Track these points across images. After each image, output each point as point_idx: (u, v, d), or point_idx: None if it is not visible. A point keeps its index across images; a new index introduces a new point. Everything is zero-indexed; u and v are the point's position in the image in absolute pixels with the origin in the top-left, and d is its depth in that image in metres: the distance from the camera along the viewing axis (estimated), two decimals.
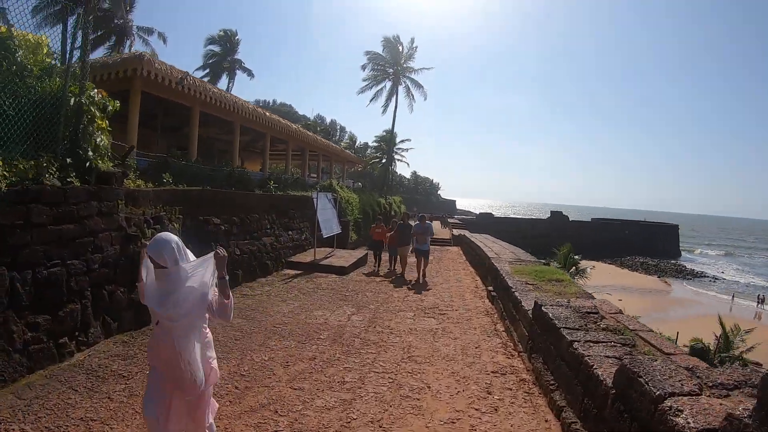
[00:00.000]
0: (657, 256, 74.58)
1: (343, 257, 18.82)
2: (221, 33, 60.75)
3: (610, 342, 6.02)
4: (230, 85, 58.17)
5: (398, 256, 17.58)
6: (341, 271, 16.85)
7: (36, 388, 6.28)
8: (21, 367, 6.59)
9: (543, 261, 17.92)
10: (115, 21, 43.50)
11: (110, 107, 9.26)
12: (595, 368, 5.17)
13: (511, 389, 6.83)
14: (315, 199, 18.09)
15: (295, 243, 19.13)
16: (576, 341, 5.99)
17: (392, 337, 9.27)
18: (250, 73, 62.51)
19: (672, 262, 74.20)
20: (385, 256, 18.87)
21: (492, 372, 7.51)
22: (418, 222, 16.81)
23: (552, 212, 78.95)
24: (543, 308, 7.42)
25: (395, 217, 58.36)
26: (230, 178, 17.57)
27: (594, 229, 77.63)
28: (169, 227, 11.18)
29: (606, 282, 46.99)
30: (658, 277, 62.99)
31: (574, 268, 30.99)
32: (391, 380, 7.01)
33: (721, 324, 26.80)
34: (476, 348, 8.77)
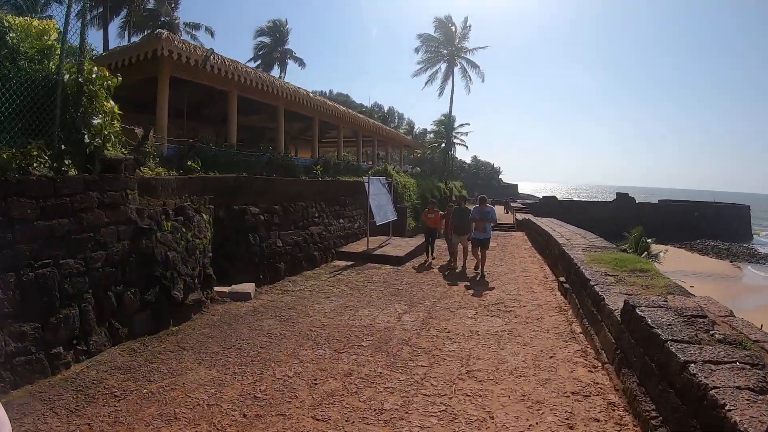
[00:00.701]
0: (728, 239, 70.21)
1: (399, 246, 17.35)
2: (270, 24, 59.46)
3: (735, 362, 4.36)
4: (282, 75, 56.41)
5: (454, 247, 15.55)
6: (396, 261, 15.41)
7: (12, 408, 5.14)
8: (2, 383, 5.54)
9: (621, 247, 16.09)
10: (162, 19, 43.23)
11: (111, 83, 8.02)
12: (730, 411, 3.54)
13: (598, 420, 5.16)
14: (366, 184, 16.58)
15: (347, 232, 17.78)
16: (691, 362, 4.34)
17: (448, 344, 7.69)
18: (301, 63, 61.14)
19: (744, 245, 70.11)
20: (443, 244, 17.12)
21: (572, 393, 5.85)
22: (477, 206, 14.50)
23: (618, 194, 75.65)
24: (638, 311, 5.74)
25: (453, 201, 56.96)
26: (271, 164, 16.26)
27: (662, 211, 73.95)
28: (196, 219, 9.94)
29: (677, 267, 44.36)
30: (731, 261, 59.93)
31: (645, 252, 28.73)
32: (443, 407, 5.44)
33: None
34: (551, 357, 7.10)
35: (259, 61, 57.34)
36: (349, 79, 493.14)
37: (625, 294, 7.32)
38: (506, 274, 14.05)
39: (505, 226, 34.62)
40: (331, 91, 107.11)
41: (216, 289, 10.63)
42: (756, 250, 66.97)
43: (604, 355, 6.89)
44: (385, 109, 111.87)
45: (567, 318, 9.32)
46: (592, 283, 8.25)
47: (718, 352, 4.58)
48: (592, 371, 6.61)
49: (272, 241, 12.90)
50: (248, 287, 10.99)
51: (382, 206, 17.79)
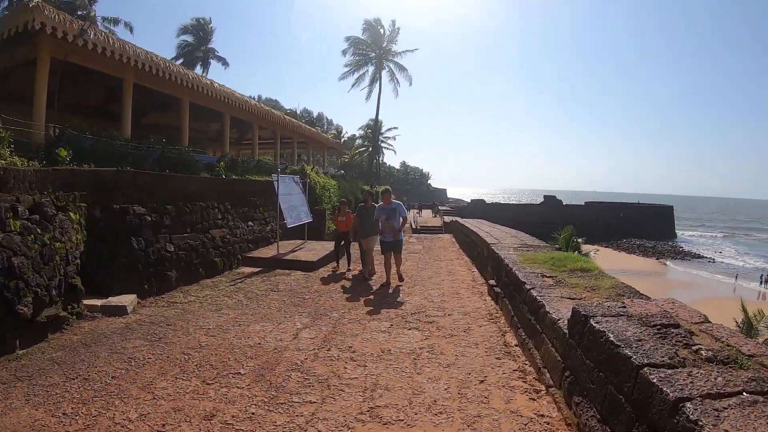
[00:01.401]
0: (652, 237, 72.71)
1: (313, 250, 15.57)
2: (194, 21, 56.74)
3: (741, 391, 2.98)
4: (204, 75, 53.98)
5: (366, 253, 13.00)
6: (308, 267, 13.67)
7: None
8: None
9: (556, 246, 14.86)
10: (78, 12, 39.87)
11: None
12: None
13: None
14: (276, 183, 14.78)
15: (256, 235, 16.00)
16: (685, 399, 2.90)
17: (351, 368, 6.05)
18: (224, 62, 58.08)
19: (669, 243, 72.67)
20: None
21: None
22: (380, 203, 12.03)
23: (545, 196, 76.44)
24: (593, 322, 4.30)
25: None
26: (164, 159, 14.29)
27: (588, 213, 74.80)
28: (58, 218, 8.16)
29: (606, 266, 44.23)
30: (657, 259, 61.17)
31: (576, 252, 27.91)
32: None
33: (744, 309, 24.03)
34: (481, 382, 5.54)
35: (181, 60, 53.97)
36: (279, 85, 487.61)
37: (570, 299, 5.99)
38: (430, 279, 12.47)
39: (432, 228, 33.47)
40: (260, 96, 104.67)
41: (87, 302, 8.76)
42: (680, 248, 69.54)
43: (548, 375, 5.43)
44: (315, 114, 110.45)
45: (499, 327, 7.84)
46: (528, 287, 6.83)
47: (715, 379, 3.16)
48: (534, 399, 5.11)
49: (161, 245, 11.06)
50: (126, 300, 9.13)
51: (294, 207, 16.02)
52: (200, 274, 12.19)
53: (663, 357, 3.51)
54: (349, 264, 14.02)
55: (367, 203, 12.75)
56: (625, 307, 4.90)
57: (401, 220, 11.90)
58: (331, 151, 44.42)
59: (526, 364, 6.13)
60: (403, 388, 5.37)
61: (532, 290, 6.62)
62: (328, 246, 16.12)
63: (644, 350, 3.62)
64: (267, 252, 15.08)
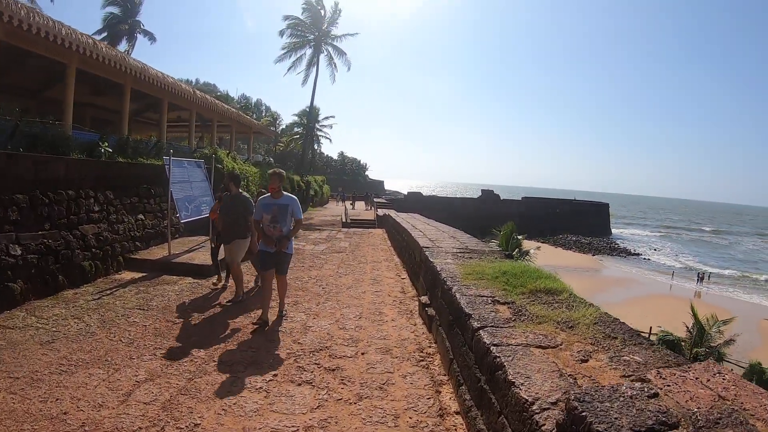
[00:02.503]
0: (588, 234, 73.62)
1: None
2: None
3: None
4: (129, 51, 48.62)
5: (231, 265, 9.28)
6: (202, 271, 11.01)
7: None
8: None
9: (505, 251, 12.75)
10: None
11: None
12: None
13: None
14: (167, 168, 12.06)
15: (148, 231, 13.18)
16: None
17: None
18: (151, 37, 52.90)
19: (604, 240, 74.07)
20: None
21: None
22: (265, 193, 8.27)
23: (483, 191, 75.64)
24: None
25: (315, 196, 52.99)
26: (18, 135, 10.66)
27: (525, 208, 74.82)
28: None
29: (543, 261, 43.28)
30: (593, 255, 61.09)
31: (517, 250, 26.02)
32: None
33: (694, 313, 22.66)
34: None
35: (105, 34, 49.34)
36: (219, 70, 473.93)
37: (540, 348, 3.88)
38: (349, 289, 10.00)
39: (364, 222, 31.16)
40: (197, 80, 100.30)
41: None
42: (616, 244, 70.29)
43: None
44: (253, 101, 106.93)
45: (432, 377, 5.47)
46: (476, 324, 4.57)
47: None
48: None
49: (1, 248, 8.43)
50: None
51: (192, 198, 13.23)
52: (60, 284, 9.40)
53: None
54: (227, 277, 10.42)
55: (232, 191, 9.15)
56: (656, 394, 2.66)
57: (293, 223, 7.84)
58: (259, 136, 40.72)
59: None
60: None
61: (481, 330, 4.38)
62: None
63: None
64: (157, 253, 12.32)
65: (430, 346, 6.49)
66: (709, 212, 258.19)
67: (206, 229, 14.05)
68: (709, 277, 50.76)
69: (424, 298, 7.85)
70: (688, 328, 23.42)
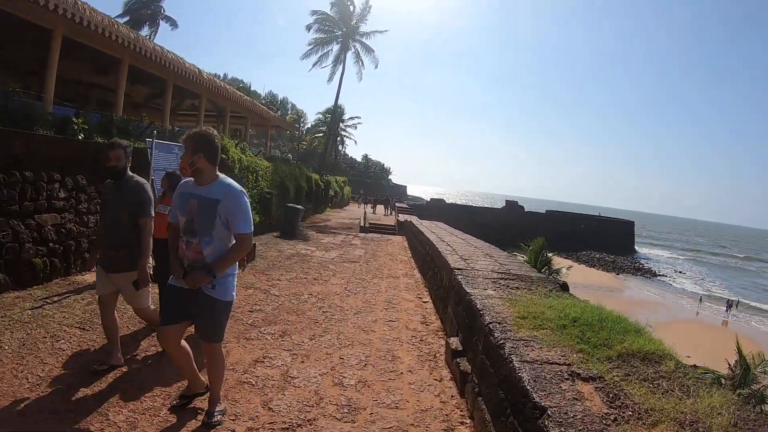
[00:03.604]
0: (611, 252, 70.31)
1: None
2: None
3: None
4: (151, 38, 47.38)
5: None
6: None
7: None
8: None
9: (557, 280, 10.56)
10: None
11: None
12: None
13: None
14: (150, 150, 10.07)
15: None
16: None
17: None
18: (173, 23, 51.96)
19: (628, 258, 70.98)
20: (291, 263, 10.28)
21: None
22: (171, 176, 6.33)
23: (507, 202, 73.04)
24: None
25: (335, 197, 50.61)
26: None
27: (549, 222, 71.89)
28: None
29: (568, 279, 41.16)
30: (616, 273, 58.67)
31: (546, 268, 23.59)
32: None
33: (739, 350, 20.14)
34: None
35: (127, 18, 47.66)
36: (249, 68, 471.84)
37: None
38: (357, 315, 7.86)
39: (384, 228, 29.03)
40: (225, 75, 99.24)
41: None
42: (640, 264, 67.56)
43: None
44: (280, 98, 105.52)
45: None
46: (554, 419, 2.52)
47: None
48: None
49: None
50: None
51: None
52: (2, 284, 7.51)
53: None
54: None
55: (123, 176, 5.11)
56: None
57: (231, 240, 4.00)
58: (279, 131, 37.61)
59: None
60: None
61: None
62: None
63: None
64: None
65: (462, 423, 4.39)
66: (733, 235, 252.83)
67: None
68: (737, 305, 48.16)
69: (455, 342, 5.72)
70: (730, 365, 20.86)
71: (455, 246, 10.23)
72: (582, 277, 48.55)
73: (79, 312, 6.80)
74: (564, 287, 6.99)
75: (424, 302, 9.10)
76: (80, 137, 10.38)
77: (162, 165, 10.43)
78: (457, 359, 5.28)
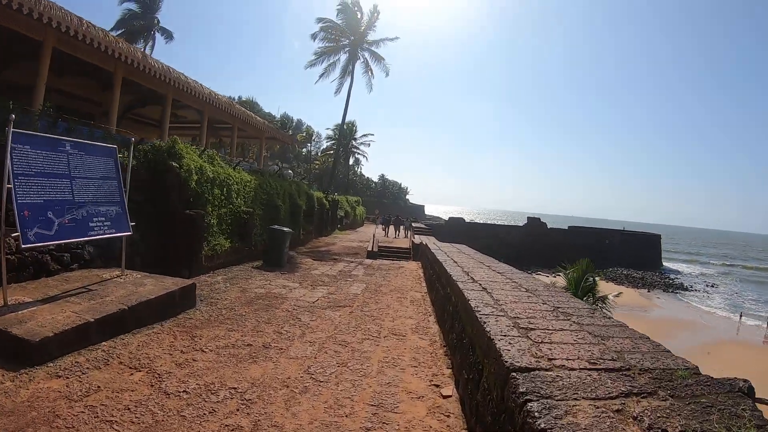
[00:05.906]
0: (638, 267, 66.66)
1: (95, 299, 6.73)
2: None
3: None
4: (146, 49, 43.93)
5: None
6: (21, 352, 4.95)
7: None
8: None
9: (736, 384, 6.55)
10: None
11: None
12: None
13: None
14: (8, 147, 6.20)
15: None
16: None
17: None
18: (168, 35, 48.98)
19: (656, 274, 66.62)
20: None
21: None
22: None
23: (529, 218, 68.97)
24: None
25: (346, 218, 45.99)
26: None
27: (571, 238, 68.29)
28: None
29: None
30: (648, 290, 54.62)
31: (590, 294, 19.04)
32: None
33: None
34: None
35: (121, 31, 45.02)
36: (265, 91, 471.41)
37: None
38: (341, 394, 3.92)
39: (397, 251, 24.92)
40: (239, 97, 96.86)
41: None
42: (670, 279, 63.80)
43: None
44: (294, 120, 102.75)
45: None
46: None
47: None
48: None
49: None
50: None
51: (70, 205, 6.95)
52: None
53: None
54: None
55: None
56: None
57: None
58: (272, 141, 31.94)
59: None
60: None
61: None
62: (143, 292, 7.41)
63: None
64: None
65: None
66: (762, 245, 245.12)
67: (119, 260, 8.26)
68: None
69: None
70: None
71: (490, 288, 5.99)
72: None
73: None
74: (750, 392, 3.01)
75: (444, 396, 4.94)
76: None
77: (36, 167, 6.48)
78: None
